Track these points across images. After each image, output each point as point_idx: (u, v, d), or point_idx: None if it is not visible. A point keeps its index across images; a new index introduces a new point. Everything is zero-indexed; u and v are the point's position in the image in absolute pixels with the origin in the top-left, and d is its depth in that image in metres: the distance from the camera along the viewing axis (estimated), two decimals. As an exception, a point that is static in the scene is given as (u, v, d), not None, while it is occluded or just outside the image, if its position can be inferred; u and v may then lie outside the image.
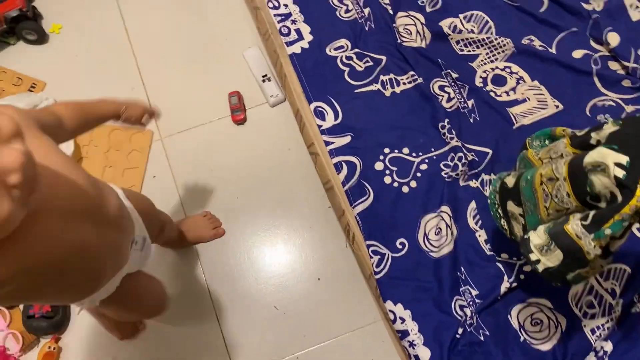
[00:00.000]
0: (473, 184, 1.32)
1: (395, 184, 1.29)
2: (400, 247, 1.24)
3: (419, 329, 1.15)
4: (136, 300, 1.02)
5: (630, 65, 1.44)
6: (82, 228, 0.67)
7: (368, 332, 1.35)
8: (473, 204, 1.29)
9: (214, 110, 1.60)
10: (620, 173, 0.77)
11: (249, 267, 1.42)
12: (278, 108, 1.61)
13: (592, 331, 1.16)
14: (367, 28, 1.51)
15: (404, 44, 1.48)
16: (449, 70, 1.45)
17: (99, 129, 1.54)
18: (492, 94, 1.44)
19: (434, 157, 1.33)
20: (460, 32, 1.52)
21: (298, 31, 1.50)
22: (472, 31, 1.53)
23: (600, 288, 1.18)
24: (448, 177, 1.30)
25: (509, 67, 1.48)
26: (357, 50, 1.48)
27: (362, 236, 1.25)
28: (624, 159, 0.78)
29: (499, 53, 1.49)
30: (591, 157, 0.83)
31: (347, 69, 1.45)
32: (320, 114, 1.38)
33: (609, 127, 0.89)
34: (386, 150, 1.33)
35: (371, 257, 1.23)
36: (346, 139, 1.35)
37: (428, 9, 1.56)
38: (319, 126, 1.37)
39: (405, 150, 1.34)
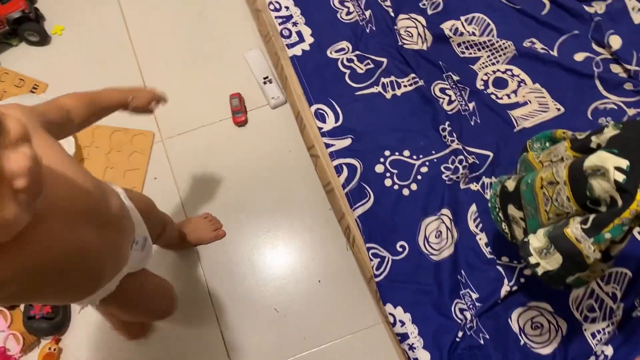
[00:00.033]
0: (474, 187, 1.31)
1: (396, 187, 1.29)
2: (400, 250, 1.24)
3: (419, 332, 1.15)
4: (139, 299, 1.02)
5: (632, 68, 1.44)
6: (83, 229, 0.67)
7: (368, 334, 1.35)
8: (474, 207, 1.29)
9: (215, 112, 1.61)
10: (621, 177, 0.77)
11: (249, 269, 1.42)
12: (279, 110, 1.61)
13: (593, 335, 1.15)
14: (368, 30, 1.51)
15: (405, 46, 1.48)
16: (450, 73, 1.45)
17: (101, 130, 1.56)
18: (493, 96, 1.44)
19: (435, 160, 1.32)
20: (461, 34, 1.52)
21: (299, 33, 1.50)
22: (474, 34, 1.53)
23: (601, 292, 1.18)
24: (449, 180, 1.30)
25: (510, 70, 1.48)
26: (358, 52, 1.47)
27: (362, 239, 1.25)
28: (624, 163, 0.77)
29: (500, 56, 1.49)
30: (591, 161, 0.82)
31: (348, 71, 1.45)
32: (320, 116, 1.38)
33: (610, 131, 0.89)
34: (387, 152, 1.33)
35: (371, 259, 1.22)
36: (347, 142, 1.34)
37: (429, 12, 1.56)
38: (320, 128, 1.37)
39: (406, 152, 1.33)
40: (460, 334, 1.14)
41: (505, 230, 1.09)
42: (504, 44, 1.49)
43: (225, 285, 1.40)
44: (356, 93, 1.42)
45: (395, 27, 1.52)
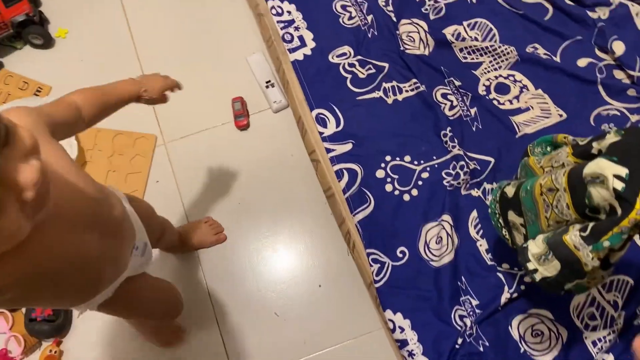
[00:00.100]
0: (475, 192, 1.31)
1: (397, 192, 1.29)
2: (400, 255, 1.23)
3: (418, 339, 1.15)
4: (138, 302, 1.02)
5: (636, 74, 1.43)
6: (85, 235, 0.67)
7: (369, 340, 1.34)
8: (474, 213, 1.28)
9: (217, 115, 1.61)
10: (619, 185, 0.76)
11: (250, 273, 1.42)
12: (281, 114, 1.61)
13: (594, 343, 1.15)
14: (370, 35, 1.51)
15: (407, 51, 1.48)
16: (452, 78, 1.45)
17: (103, 133, 1.56)
18: (495, 102, 1.43)
19: (436, 166, 1.32)
20: (463, 39, 1.51)
21: (301, 38, 1.50)
22: (476, 39, 1.52)
23: (602, 300, 1.17)
24: (450, 185, 1.29)
25: (513, 75, 1.47)
26: (359, 57, 1.48)
27: (363, 244, 1.25)
28: (623, 172, 0.77)
29: (502, 61, 1.49)
30: (590, 168, 0.82)
31: (349, 76, 1.45)
32: (322, 121, 1.38)
33: (611, 137, 0.88)
34: (387, 158, 1.33)
35: (371, 265, 1.22)
36: (347, 147, 1.34)
37: (431, 17, 1.56)
38: (321, 133, 1.37)
39: (407, 158, 1.33)
40: (459, 340, 1.14)
41: (506, 236, 1.08)
42: (506, 49, 1.48)
43: (226, 289, 1.40)
44: (357, 98, 1.42)
45: (397, 32, 1.52)
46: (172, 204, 1.49)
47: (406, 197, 1.29)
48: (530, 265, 0.89)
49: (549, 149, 1.07)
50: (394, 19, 1.53)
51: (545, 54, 1.50)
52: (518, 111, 1.42)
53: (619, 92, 1.44)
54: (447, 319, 1.17)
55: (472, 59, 1.50)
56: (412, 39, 1.52)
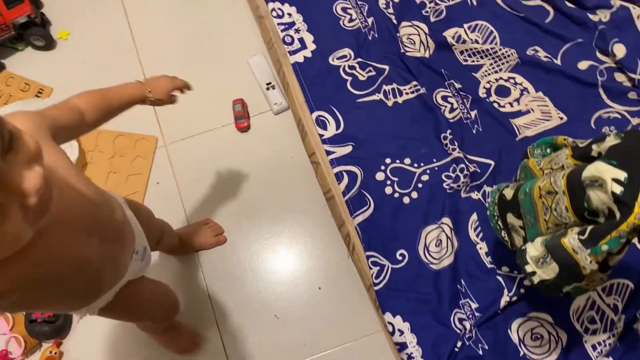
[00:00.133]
0: (475, 195, 1.31)
1: (396, 195, 1.29)
2: (400, 258, 1.23)
3: (418, 342, 1.15)
4: (138, 305, 1.02)
5: (637, 77, 1.43)
6: (86, 240, 0.67)
7: (369, 342, 1.34)
8: (474, 216, 1.28)
9: (218, 117, 1.61)
10: (618, 189, 0.76)
11: (250, 275, 1.42)
12: (282, 116, 1.61)
13: (594, 347, 1.14)
14: (370, 37, 1.51)
15: (407, 53, 1.48)
16: (452, 81, 1.45)
17: (104, 135, 1.57)
18: (495, 104, 1.43)
19: (436, 168, 1.32)
20: (464, 42, 1.51)
21: (301, 40, 1.50)
22: (477, 41, 1.52)
23: (602, 303, 1.17)
24: (449, 188, 1.29)
25: (513, 78, 1.47)
26: (360, 59, 1.48)
27: (362, 247, 1.25)
28: (621, 175, 0.76)
29: (503, 64, 1.49)
30: (589, 171, 0.82)
31: (349, 79, 1.45)
32: (322, 123, 1.38)
33: (611, 140, 0.88)
34: (387, 160, 1.33)
35: (370, 268, 1.22)
36: (347, 149, 1.34)
37: (432, 19, 1.56)
38: (321, 135, 1.37)
39: (407, 160, 1.33)
40: (459, 344, 1.14)
41: (505, 238, 1.08)
42: (507, 51, 1.48)
43: (226, 291, 1.40)
44: (358, 100, 1.42)
45: (398, 34, 1.52)
46: (172, 206, 1.50)
47: (406, 200, 1.29)
48: (529, 268, 0.89)
49: (548, 150, 1.07)
50: (395, 21, 1.54)
51: (546, 56, 1.49)
52: (518, 114, 1.42)
53: (620, 94, 1.43)
54: (446, 322, 1.17)
55: (473, 61, 1.50)
56: (413, 42, 1.52)
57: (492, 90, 1.46)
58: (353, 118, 1.39)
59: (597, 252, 0.78)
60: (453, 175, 1.30)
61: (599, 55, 1.50)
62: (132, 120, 1.54)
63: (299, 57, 1.48)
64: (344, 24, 1.53)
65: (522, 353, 1.14)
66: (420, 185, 1.30)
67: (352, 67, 1.46)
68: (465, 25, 1.55)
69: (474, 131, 1.39)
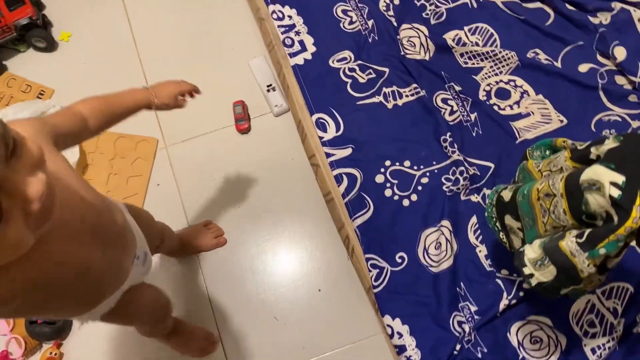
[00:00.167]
0: (474, 198, 1.31)
1: (396, 197, 1.29)
2: (399, 261, 1.23)
3: (417, 344, 1.15)
4: (136, 310, 1.02)
5: (637, 80, 1.43)
6: (88, 245, 0.67)
7: (368, 345, 1.34)
8: (474, 219, 1.28)
9: (219, 119, 1.61)
10: (616, 193, 0.76)
11: (249, 277, 1.42)
12: (282, 118, 1.62)
13: (593, 351, 1.14)
14: (370, 40, 1.51)
15: (408, 56, 1.48)
16: (453, 83, 1.45)
17: (105, 137, 1.57)
18: (495, 107, 1.43)
19: (435, 171, 1.32)
20: (464, 44, 1.51)
21: (301, 42, 1.51)
22: (477, 44, 1.52)
23: (602, 307, 1.17)
24: (449, 191, 1.29)
25: (514, 81, 1.47)
26: (360, 62, 1.48)
27: (362, 249, 1.25)
28: (619, 179, 0.76)
29: (503, 66, 1.49)
30: (587, 175, 0.82)
31: (349, 81, 1.45)
32: (321, 126, 1.39)
33: (610, 143, 0.88)
34: (387, 163, 1.33)
35: (370, 270, 1.22)
36: (347, 151, 1.35)
37: (432, 22, 1.56)
38: (320, 137, 1.37)
39: (407, 163, 1.33)
40: (458, 347, 1.14)
41: (504, 239, 1.08)
42: (507, 54, 1.48)
43: (226, 293, 1.40)
44: (357, 103, 1.42)
45: (398, 36, 1.52)
46: (172, 207, 1.50)
47: (405, 202, 1.29)
48: (526, 270, 0.89)
49: (547, 152, 1.07)
50: (395, 23, 1.54)
51: (546, 59, 1.49)
52: (518, 116, 1.42)
53: (620, 97, 1.43)
54: (445, 325, 1.16)
55: (473, 64, 1.50)
56: (413, 44, 1.52)
57: (492, 92, 1.46)
58: (353, 120, 1.39)
59: (594, 256, 0.78)
60: (453, 178, 1.30)
61: (599, 58, 1.50)
62: (133, 122, 1.51)
63: (299, 60, 1.48)
64: (344, 26, 1.54)
65: (521, 356, 1.14)
66: (419, 187, 1.30)
67: (352, 70, 1.46)
68: (466, 28, 1.55)
69: (474, 134, 1.39)
